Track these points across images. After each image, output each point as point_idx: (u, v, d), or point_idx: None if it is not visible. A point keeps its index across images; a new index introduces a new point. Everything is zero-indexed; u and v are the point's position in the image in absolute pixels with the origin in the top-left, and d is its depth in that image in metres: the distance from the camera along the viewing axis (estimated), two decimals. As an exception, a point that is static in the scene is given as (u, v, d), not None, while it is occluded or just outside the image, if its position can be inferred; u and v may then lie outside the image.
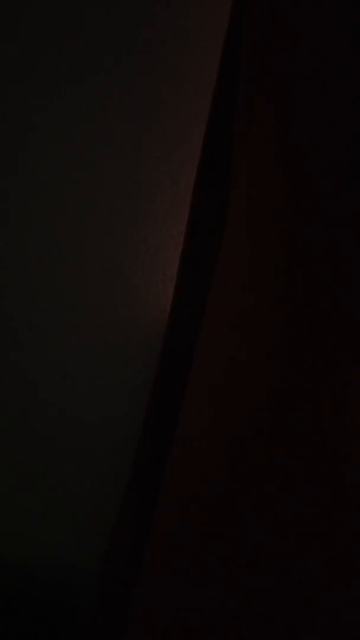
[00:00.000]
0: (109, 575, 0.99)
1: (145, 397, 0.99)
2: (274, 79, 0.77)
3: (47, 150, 1.26)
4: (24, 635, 1.20)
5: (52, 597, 1.27)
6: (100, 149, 1.25)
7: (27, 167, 1.27)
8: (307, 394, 0.72)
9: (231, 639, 0.77)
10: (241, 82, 0.86)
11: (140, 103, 1.24)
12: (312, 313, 0.73)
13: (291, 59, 0.76)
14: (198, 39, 1.23)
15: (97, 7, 1.23)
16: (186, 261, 0.96)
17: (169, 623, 0.80)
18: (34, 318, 1.29)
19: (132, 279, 1.27)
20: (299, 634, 0.75)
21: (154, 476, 0.89)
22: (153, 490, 0.88)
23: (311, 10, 0.75)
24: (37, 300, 1.29)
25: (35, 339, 1.29)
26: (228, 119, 0.91)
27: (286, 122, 0.76)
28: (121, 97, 1.24)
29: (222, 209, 0.89)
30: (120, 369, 1.28)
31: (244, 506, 0.75)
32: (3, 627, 1.19)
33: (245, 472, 0.74)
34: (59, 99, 1.25)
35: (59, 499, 1.31)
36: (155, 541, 0.82)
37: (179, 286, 0.96)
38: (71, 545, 1.31)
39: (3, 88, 1.25)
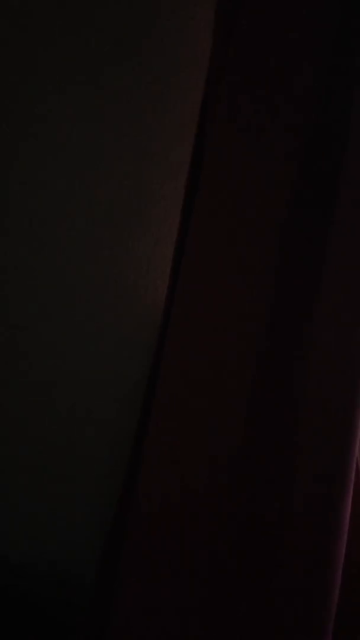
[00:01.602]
0: (107, 573, 1.00)
1: (142, 394, 0.99)
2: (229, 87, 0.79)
3: (47, 151, 1.27)
4: (23, 633, 1.20)
5: (50, 595, 1.27)
6: (100, 147, 1.26)
7: (27, 167, 1.27)
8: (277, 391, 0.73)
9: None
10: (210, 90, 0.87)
11: (139, 102, 1.24)
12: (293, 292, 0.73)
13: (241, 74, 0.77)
14: (198, 39, 1.23)
15: (97, 7, 1.23)
16: (179, 259, 0.96)
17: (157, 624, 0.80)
18: (32, 317, 1.30)
19: (130, 277, 1.27)
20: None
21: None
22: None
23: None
24: (35, 299, 1.29)
25: (33, 338, 1.30)
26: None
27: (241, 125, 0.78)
28: (120, 97, 1.24)
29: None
30: (119, 367, 1.28)
31: (225, 502, 0.75)
32: (1, 625, 1.20)
33: (224, 465, 0.75)
34: (58, 100, 1.25)
35: (58, 496, 1.31)
36: (136, 537, 0.82)
37: (173, 284, 0.97)
38: (69, 543, 1.32)
39: (3, 86, 1.26)
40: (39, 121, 1.26)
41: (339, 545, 0.71)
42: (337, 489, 0.71)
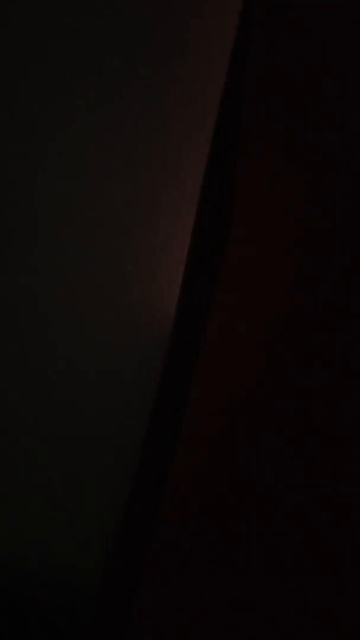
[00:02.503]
0: (111, 582, 0.99)
1: (150, 400, 0.98)
2: (279, 83, 0.78)
3: (50, 152, 1.26)
4: (24, 638, 1.20)
5: (52, 601, 1.26)
6: (105, 151, 1.25)
7: (30, 168, 1.26)
8: (311, 397, 0.72)
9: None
10: (247, 82, 0.86)
11: (145, 103, 1.24)
12: (322, 312, 0.73)
13: (296, 65, 0.76)
14: (206, 40, 1.22)
15: (102, 10, 1.22)
16: (192, 263, 0.95)
17: (171, 631, 0.80)
18: (37, 322, 1.29)
19: (136, 282, 1.27)
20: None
21: (157, 478, 0.89)
22: (157, 493, 0.88)
23: (316, 19, 0.76)
24: (40, 303, 1.28)
25: (38, 343, 1.29)
26: (236, 122, 0.91)
27: (292, 126, 0.77)
28: (126, 98, 1.24)
29: (228, 210, 0.89)
30: (125, 371, 1.28)
31: (247, 512, 0.75)
32: (2, 629, 1.19)
33: (249, 476, 0.74)
34: (62, 99, 1.24)
35: (60, 499, 1.31)
36: (158, 547, 0.81)
37: (185, 288, 0.96)
38: (73, 547, 1.31)
39: (5, 88, 1.25)
40: (42, 123, 1.25)
41: None
42: None
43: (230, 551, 0.77)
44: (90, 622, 1.00)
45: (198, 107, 1.23)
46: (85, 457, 1.29)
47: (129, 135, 1.24)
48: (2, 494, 1.32)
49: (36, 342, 1.29)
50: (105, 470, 1.29)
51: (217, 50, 1.21)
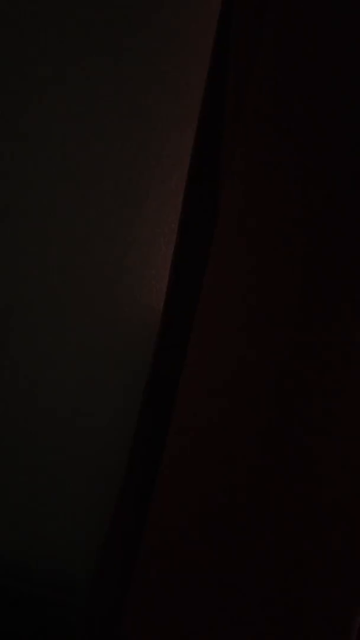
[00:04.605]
0: (104, 575, 0.99)
1: (139, 396, 0.99)
2: (263, 76, 0.77)
3: (40, 150, 1.25)
4: (19, 634, 1.20)
5: (47, 596, 1.26)
6: (92, 149, 1.25)
7: (20, 165, 1.26)
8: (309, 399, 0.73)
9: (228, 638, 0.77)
10: (230, 78, 0.86)
11: (131, 102, 1.24)
12: (312, 307, 0.73)
13: (280, 49, 0.76)
14: (190, 36, 1.22)
15: (91, 7, 1.22)
16: (179, 258, 0.96)
17: (165, 624, 0.80)
18: (27, 317, 1.29)
19: (124, 278, 1.27)
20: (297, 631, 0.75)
21: (148, 475, 0.89)
22: (148, 488, 0.88)
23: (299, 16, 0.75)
24: (30, 299, 1.28)
25: (28, 338, 1.29)
26: (219, 116, 0.91)
27: (280, 116, 0.76)
28: (113, 96, 1.24)
29: (213, 206, 0.89)
30: (113, 367, 1.28)
31: (242, 507, 0.75)
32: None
33: (242, 474, 0.74)
34: (51, 98, 1.24)
35: (55, 497, 1.31)
36: (150, 543, 0.82)
37: (172, 283, 0.96)
38: (67, 543, 1.31)
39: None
40: (32, 122, 1.25)
41: None
42: None
43: (223, 550, 0.77)
44: (84, 617, 1.00)
45: (184, 104, 1.23)
46: (79, 453, 1.29)
47: (117, 134, 1.24)
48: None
49: (26, 336, 1.29)
50: (101, 466, 1.29)
51: (205, 46, 1.21)
